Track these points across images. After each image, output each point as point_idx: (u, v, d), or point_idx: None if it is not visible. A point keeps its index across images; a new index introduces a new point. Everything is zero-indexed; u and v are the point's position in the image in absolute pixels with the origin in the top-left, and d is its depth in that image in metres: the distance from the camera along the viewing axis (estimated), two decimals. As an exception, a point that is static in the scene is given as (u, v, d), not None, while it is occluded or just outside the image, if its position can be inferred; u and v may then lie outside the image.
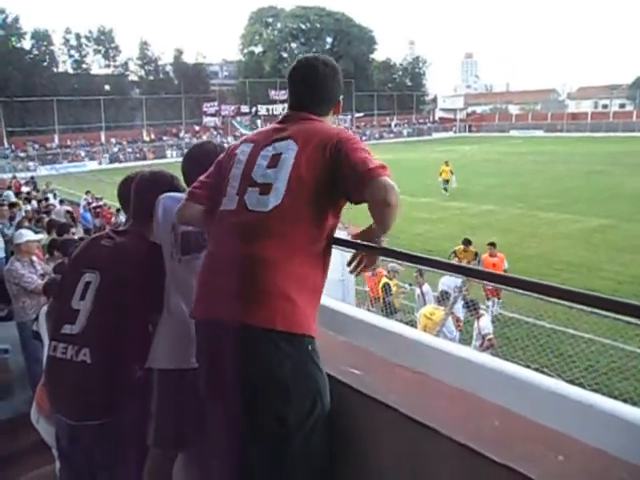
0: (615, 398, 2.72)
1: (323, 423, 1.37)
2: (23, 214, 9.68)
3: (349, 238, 1.52)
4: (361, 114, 61.42)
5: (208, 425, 1.56)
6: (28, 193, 14.97)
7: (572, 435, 1.18)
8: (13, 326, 4.89)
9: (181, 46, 67.70)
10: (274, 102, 51.79)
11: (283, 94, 44.53)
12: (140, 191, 1.99)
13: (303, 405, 1.33)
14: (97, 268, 1.88)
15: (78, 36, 52.46)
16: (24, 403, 3.30)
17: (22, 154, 41.98)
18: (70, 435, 1.88)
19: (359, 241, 1.47)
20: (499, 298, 7.66)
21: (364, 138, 48.69)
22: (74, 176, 28.39)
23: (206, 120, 53.83)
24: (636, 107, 60.34)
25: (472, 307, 6.12)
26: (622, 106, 65.51)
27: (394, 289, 7.49)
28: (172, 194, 1.90)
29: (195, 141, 36.32)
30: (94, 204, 14.81)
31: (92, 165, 41.28)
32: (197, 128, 53.28)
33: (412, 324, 5.91)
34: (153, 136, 50.70)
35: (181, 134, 51.63)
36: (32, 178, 23.25)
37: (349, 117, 56.90)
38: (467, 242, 8.83)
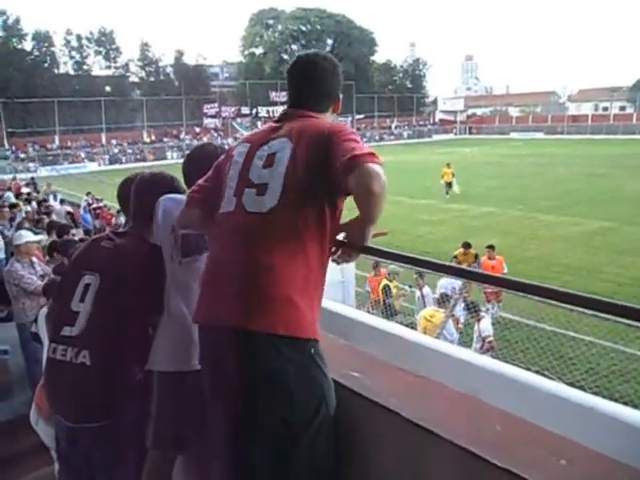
0: (616, 401, 2.72)
1: (328, 426, 1.36)
2: (23, 215, 9.68)
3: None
4: (361, 116, 61.50)
5: (210, 428, 1.55)
6: (28, 194, 14.96)
7: (573, 438, 1.17)
8: (13, 327, 4.88)
9: (182, 47, 67.75)
10: (275, 104, 51.85)
11: (284, 96, 44.52)
12: (140, 193, 1.99)
13: (307, 409, 1.32)
14: (97, 270, 1.88)
15: (79, 37, 52.60)
16: (23, 404, 3.29)
17: (22, 155, 42.05)
18: (69, 437, 1.88)
19: (346, 237, 1.42)
20: (499, 302, 7.64)
21: (364, 140, 48.74)
22: (74, 177, 28.44)
23: (206, 121, 53.92)
24: (636, 110, 60.38)
25: (473, 309, 6.11)
26: (622, 108, 65.63)
27: (394, 291, 7.48)
28: (172, 196, 1.89)
29: (195, 142, 36.54)
30: (94, 205, 14.81)
31: (92, 166, 41.30)
32: (197, 129, 53.37)
33: (412, 326, 5.90)
34: (153, 137, 50.81)
35: (181, 135, 51.70)
36: (32, 179, 23.29)
37: (349, 119, 56.93)
38: (467, 245, 8.82)
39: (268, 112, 51.65)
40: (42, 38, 49.77)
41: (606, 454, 1.12)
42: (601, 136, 51.42)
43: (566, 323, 6.07)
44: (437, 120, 69.45)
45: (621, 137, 49.84)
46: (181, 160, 2.05)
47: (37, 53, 49.85)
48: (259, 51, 65.23)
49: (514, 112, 73.68)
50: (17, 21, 48.17)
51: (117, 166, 40.95)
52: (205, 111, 53.71)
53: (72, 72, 52.55)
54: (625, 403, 3.52)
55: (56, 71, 51.21)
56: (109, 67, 54.82)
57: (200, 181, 1.63)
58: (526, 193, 19.57)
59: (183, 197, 1.74)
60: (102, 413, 1.79)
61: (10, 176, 26.12)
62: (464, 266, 6.89)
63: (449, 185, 19.71)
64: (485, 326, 5.99)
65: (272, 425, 1.32)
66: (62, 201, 15.74)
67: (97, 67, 54.38)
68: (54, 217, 10.01)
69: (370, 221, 1.32)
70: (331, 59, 1.57)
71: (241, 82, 60.03)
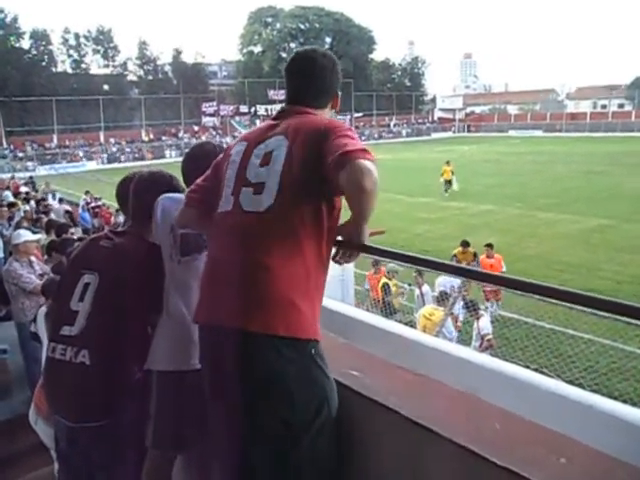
0: (615, 399, 2.72)
1: (330, 426, 1.35)
2: (22, 214, 9.65)
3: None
4: (360, 114, 61.43)
5: (210, 427, 1.55)
6: (27, 193, 14.93)
7: (572, 436, 1.18)
8: (12, 326, 4.88)
9: (180, 46, 67.33)
10: (273, 102, 51.76)
11: (282, 94, 44.45)
12: (139, 192, 1.98)
13: (308, 410, 1.31)
14: (96, 269, 1.88)
15: (77, 36, 52.42)
16: (22, 404, 3.29)
17: (21, 154, 41.95)
18: (69, 436, 1.87)
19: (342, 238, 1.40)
20: (498, 300, 7.64)
21: (363, 138, 48.73)
22: (73, 176, 28.36)
23: (205, 120, 53.83)
24: (635, 107, 60.39)
25: (472, 307, 6.12)
26: (621, 106, 65.60)
27: (393, 289, 7.49)
28: (171, 195, 1.89)
29: (194, 141, 36.44)
30: (93, 204, 14.79)
31: (91, 165, 41.26)
32: (196, 128, 53.26)
33: (411, 325, 5.90)
34: (152, 136, 50.67)
35: (180, 134, 51.60)
36: (31, 178, 23.23)
37: (348, 117, 56.87)
38: (465, 244, 8.82)
39: (267, 110, 51.58)
40: (40, 36, 49.60)
41: (605, 452, 1.12)
42: (600, 134, 51.42)
43: (565, 321, 6.08)
44: (436, 118, 69.33)
45: (620, 135, 49.84)
46: (180, 159, 2.05)
47: (35, 52, 49.66)
48: (258, 49, 65.14)
49: (513, 110, 73.63)
50: (15, 19, 48.00)
51: (115, 165, 40.87)
52: (204, 109, 53.62)
53: (70, 71, 52.39)
54: (624, 401, 3.52)
55: (54, 70, 51.03)
56: (107, 66, 54.69)
57: (199, 180, 1.63)
58: (525, 191, 19.57)
59: (182, 196, 1.73)
60: (101, 412, 1.79)
61: (8, 175, 26.04)
62: (463, 264, 6.89)
63: (449, 183, 19.68)
64: (484, 324, 5.99)
65: (272, 426, 1.32)
66: (61, 200, 15.71)
67: (95, 66, 54.34)
68: (53, 216, 9.99)
69: (362, 218, 1.29)
70: (330, 55, 1.55)
71: (240, 80, 59.93)
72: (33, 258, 4.97)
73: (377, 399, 1.36)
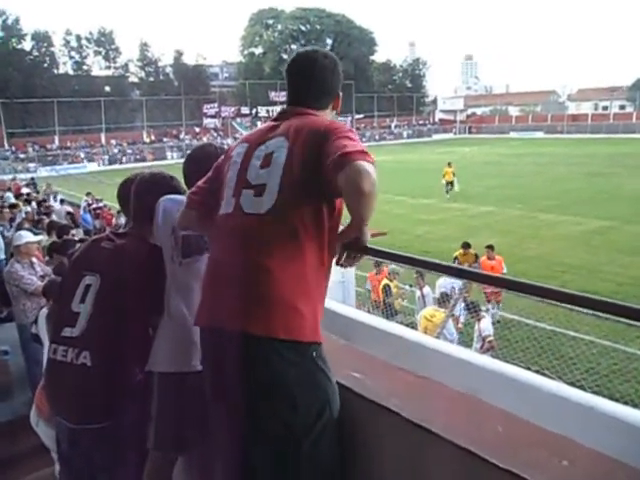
0: (616, 401, 2.72)
1: (332, 428, 1.35)
2: (23, 215, 9.67)
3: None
4: (361, 115, 61.48)
5: (212, 429, 1.55)
6: (28, 194, 14.94)
7: (573, 438, 1.17)
8: (13, 328, 4.88)
9: (181, 47, 67.85)
10: (274, 103, 51.79)
11: (283, 95, 44.45)
12: (140, 193, 1.98)
13: (309, 413, 1.31)
14: (97, 271, 1.88)
15: (78, 37, 52.49)
16: (24, 405, 3.29)
17: (22, 155, 42.01)
18: (70, 438, 1.87)
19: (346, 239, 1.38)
20: (499, 302, 7.63)
21: (364, 140, 48.76)
22: (74, 177, 28.42)
23: (206, 121, 53.86)
24: (636, 109, 60.39)
25: (473, 309, 6.11)
26: (622, 107, 65.62)
27: (394, 290, 7.48)
28: (172, 196, 1.89)
29: (195, 143, 36.51)
30: (94, 205, 14.80)
31: (92, 166, 41.26)
32: (197, 129, 53.34)
33: (413, 326, 5.90)
34: (153, 137, 50.78)
35: (181, 135, 51.66)
36: (32, 179, 23.26)
37: (349, 119, 56.91)
38: (466, 245, 8.82)
39: (268, 112, 51.57)
40: (41, 38, 49.68)
41: (607, 454, 1.11)
42: (601, 135, 51.37)
43: (566, 322, 6.07)
44: (437, 120, 69.42)
45: (621, 136, 49.76)
46: (181, 160, 2.05)
47: (36, 53, 49.75)
48: (259, 51, 65.16)
49: (514, 111, 73.65)
50: (16, 21, 48.11)
51: (117, 166, 40.94)
52: (205, 111, 53.66)
53: (71, 72, 52.46)
54: (626, 403, 3.51)
55: (55, 71, 51.13)
56: (109, 67, 54.77)
57: (200, 182, 1.62)
58: (526, 192, 19.56)
59: (183, 198, 1.73)
60: (103, 414, 1.79)
61: (10, 176, 26.08)
62: (464, 266, 6.88)
63: (450, 184, 19.65)
64: (485, 326, 5.99)
65: (274, 428, 1.31)
66: (62, 201, 15.71)
67: (97, 67, 54.40)
68: (54, 217, 9.99)
69: (362, 220, 1.28)
70: (331, 56, 1.54)
71: (241, 82, 59.96)
72: (34, 259, 4.97)
73: (378, 401, 1.36)
